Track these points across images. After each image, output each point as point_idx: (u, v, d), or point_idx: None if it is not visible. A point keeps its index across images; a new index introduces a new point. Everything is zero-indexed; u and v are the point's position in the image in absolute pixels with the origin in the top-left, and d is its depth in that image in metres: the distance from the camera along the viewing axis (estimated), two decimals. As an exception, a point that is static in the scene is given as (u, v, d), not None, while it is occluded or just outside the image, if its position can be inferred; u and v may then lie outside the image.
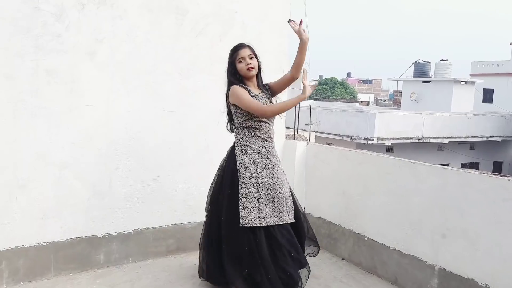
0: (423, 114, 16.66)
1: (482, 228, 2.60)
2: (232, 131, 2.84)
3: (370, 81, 71.62)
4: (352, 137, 15.92)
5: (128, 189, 3.28)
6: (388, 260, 3.17)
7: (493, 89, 27.72)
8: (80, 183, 3.09)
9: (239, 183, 2.60)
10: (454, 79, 22.59)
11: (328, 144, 4.50)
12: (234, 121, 2.74)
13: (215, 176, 2.85)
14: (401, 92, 26.95)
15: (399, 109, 23.74)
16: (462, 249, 2.70)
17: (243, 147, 2.65)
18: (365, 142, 15.46)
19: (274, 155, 2.73)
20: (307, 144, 4.01)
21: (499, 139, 18.62)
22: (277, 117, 2.77)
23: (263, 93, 2.74)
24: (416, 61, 25.69)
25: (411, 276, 3.00)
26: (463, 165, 17.78)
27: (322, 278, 3.20)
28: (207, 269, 2.82)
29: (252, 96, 2.61)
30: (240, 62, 2.64)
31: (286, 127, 4.19)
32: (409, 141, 16.22)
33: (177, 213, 3.51)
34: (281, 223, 2.63)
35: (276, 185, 2.66)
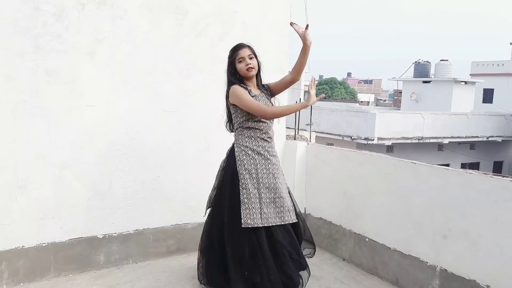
0: (423, 114, 16.66)
1: (483, 229, 2.59)
2: (231, 131, 2.83)
3: (370, 81, 71.62)
4: (352, 137, 15.91)
5: (128, 189, 3.27)
6: (389, 261, 3.16)
7: (493, 89, 27.72)
8: (80, 184, 3.09)
9: (240, 184, 2.59)
10: (454, 79, 22.60)
11: (328, 144, 4.50)
12: (234, 121, 2.72)
13: (216, 178, 2.84)
14: (401, 92, 26.95)
15: (399, 109, 23.74)
16: (464, 250, 2.69)
17: (242, 147, 2.64)
18: (365, 142, 15.45)
19: (273, 155, 2.72)
20: (308, 144, 4.00)
21: (499, 139, 18.62)
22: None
23: (262, 94, 2.73)
24: (416, 61, 25.68)
25: (412, 277, 2.99)
26: (463, 165, 17.78)
27: (322, 279, 3.19)
28: (207, 273, 2.79)
29: (252, 96, 2.60)
30: (240, 62, 2.63)
31: (287, 127, 4.18)
32: (409, 141, 16.21)
33: (177, 214, 3.50)
34: (283, 223, 2.62)
35: (277, 185, 2.65)
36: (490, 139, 18.37)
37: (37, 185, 2.93)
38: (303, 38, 2.58)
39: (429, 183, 2.90)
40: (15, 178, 2.86)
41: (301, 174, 3.95)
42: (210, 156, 3.54)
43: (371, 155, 3.40)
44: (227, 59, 2.73)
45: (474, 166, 18.31)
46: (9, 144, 2.82)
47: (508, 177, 2.53)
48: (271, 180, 2.63)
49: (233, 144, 2.73)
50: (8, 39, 2.76)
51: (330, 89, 44.29)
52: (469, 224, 2.66)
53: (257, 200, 2.56)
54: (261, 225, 2.54)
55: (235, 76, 2.65)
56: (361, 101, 39.35)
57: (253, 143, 2.64)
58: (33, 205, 2.94)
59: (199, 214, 3.48)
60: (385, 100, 40.98)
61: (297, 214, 2.81)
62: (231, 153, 2.71)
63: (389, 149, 16.33)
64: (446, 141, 17.13)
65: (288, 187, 2.82)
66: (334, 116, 16.78)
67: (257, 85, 2.74)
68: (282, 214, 2.62)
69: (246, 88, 2.62)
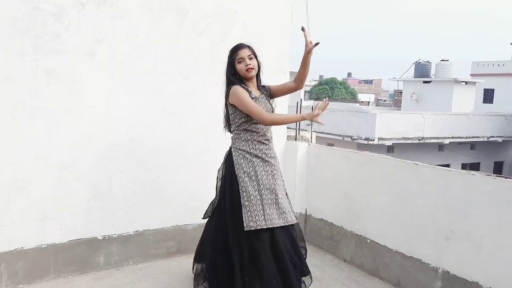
0: (423, 114, 16.64)
1: (486, 230, 2.57)
2: (229, 131, 2.78)
3: (371, 81, 71.61)
4: (353, 138, 15.89)
5: (128, 190, 3.25)
6: (390, 263, 3.14)
7: (493, 89, 27.71)
8: (79, 185, 3.07)
9: (239, 187, 2.54)
10: (455, 79, 22.59)
11: (328, 145, 4.48)
12: (231, 122, 2.68)
13: (216, 184, 2.79)
14: (401, 92, 26.94)
15: (400, 109, 23.72)
16: (466, 251, 2.67)
17: (239, 151, 2.60)
18: (365, 142, 15.43)
19: (272, 157, 2.67)
20: (309, 145, 3.98)
21: (499, 140, 18.60)
22: None
23: (263, 95, 2.69)
24: (416, 61, 25.67)
25: (414, 279, 2.97)
26: (463, 166, 17.77)
27: (323, 281, 3.17)
28: (210, 280, 2.72)
29: (252, 98, 2.57)
30: (240, 62, 2.59)
31: (287, 127, 4.16)
32: (409, 141, 16.19)
33: (178, 215, 3.48)
34: (286, 223, 2.59)
35: (278, 186, 2.63)
36: (490, 139, 18.35)
37: (36, 186, 2.92)
38: (308, 48, 2.55)
39: (431, 184, 2.88)
40: (14, 179, 2.84)
41: (302, 175, 3.93)
42: (211, 157, 3.52)
43: (373, 156, 3.38)
44: (227, 59, 2.71)
45: (475, 166, 18.30)
46: (8, 144, 2.81)
47: (511, 178, 2.51)
48: (272, 181, 2.60)
49: (230, 148, 2.69)
50: (8, 39, 2.74)
51: (330, 89, 44.25)
52: (471, 226, 2.64)
53: (259, 201, 2.53)
54: (264, 227, 2.50)
55: (235, 76, 2.61)
56: (362, 101, 39.31)
57: (250, 146, 2.60)
58: (33, 206, 2.92)
59: (199, 215, 3.46)
60: (385, 100, 40.95)
61: None
62: (228, 157, 2.67)
63: (390, 149, 16.32)
64: (446, 141, 17.11)
65: (285, 189, 2.78)
66: (334, 116, 16.75)
67: (257, 85, 2.71)
68: (284, 215, 2.59)
69: (246, 89, 2.58)
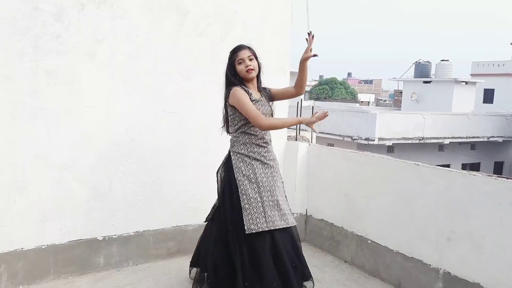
0: (424, 115, 16.63)
1: (487, 231, 2.56)
2: (227, 132, 2.75)
3: (371, 81, 71.58)
4: (353, 138, 15.88)
5: (128, 191, 3.25)
6: (391, 263, 3.13)
7: (493, 89, 27.71)
8: (79, 185, 3.06)
9: (239, 190, 2.52)
10: (455, 79, 22.58)
11: (328, 145, 4.47)
12: (230, 124, 2.66)
13: (217, 188, 2.76)
14: (401, 92, 26.93)
15: (400, 110, 23.71)
16: (467, 252, 2.66)
17: (238, 155, 2.59)
18: (366, 142, 15.42)
19: (271, 159, 2.65)
20: (309, 145, 3.97)
21: (500, 140, 18.59)
22: None
23: (263, 98, 2.67)
24: (416, 61, 25.66)
25: (415, 280, 2.96)
26: (464, 166, 17.76)
27: (324, 282, 3.16)
28: (211, 282, 2.68)
29: (253, 101, 2.55)
30: (240, 63, 2.58)
31: (288, 128, 4.15)
32: (410, 141, 16.18)
33: (178, 215, 3.48)
34: (287, 225, 2.57)
35: (277, 188, 2.61)
36: (490, 139, 18.34)
37: (36, 186, 2.91)
38: (306, 55, 2.55)
39: (432, 185, 2.87)
40: (14, 180, 2.84)
41: (302, 175, 3.92)
42: (211, 157, 3.51)
43: (373, 156, 3.37)
44: (227, 60, 2.69)
45: (475, 166, 18.30)
46: (8, 145, 2.80)
47: (512, 179, 2.50)
48: (272, 183, 2.58)
49: (229, 151, 2.67)
50: (8, 39, 2.73)
51: (330, 89, 44.23)
52: (473, 227, 2.64)
53: (259, 204, 2.51)
54: (266, 229, 2.48)
55: (235, 78, 2.59)
56: (362, 101, 39.30)
57: (249, 149, 2.58)
58: (33, 206, 2.91)
59: (200, 216, 3.45)
60: (385, 100, 40.94)
61: None
62: (227, 161, 2.65)
63: (390, 149, 16.31)
64: (446, 141, 17.11)
65: (285, 191, 2.77)
66: (334, 116, 16.73)
67: (258, 87, 2.70)
68: (286, 217, 2.58)
69: (247, 91, 2.56)
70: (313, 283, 2.72)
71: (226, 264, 2.58)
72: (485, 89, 27.11)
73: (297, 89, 2.75)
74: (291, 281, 2.50)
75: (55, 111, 2.92)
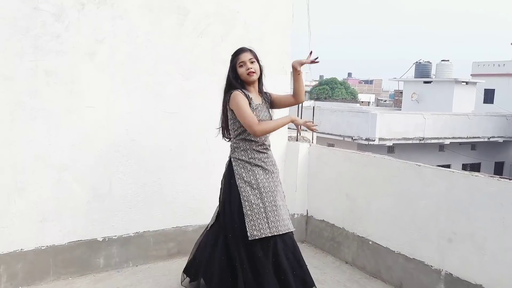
0: (424, 115, 16.62)
1: (489, 232, 2.55)
2: (224, 136, 2.72)
3: (371, 81, 71.54)
4: (353, 138, 15.87)
5: (128, 191, 3.23)
6: (393, 265, 3.12)
7: (494, 89, 27.70)
8: (79, 186, 3.05)
9: (241, 197, 2.50)
10: (455, 80, 22.56)
11: (329, 145, 4.46)
12: (230, 128, 2.62)
13: (220, 193, 2.73)
14: (402, 93, 26.91)
15: (400, 110, 23.70)
16: (469, 253, 2.65)
17: (239, 161, 2.56)
18: (366, 142, 15.41)
19: (271, 165, 2.63)
20: (310, 145, 3.96)
21: (500, 140, 18.58)
22: None
23: (263, 102, 2.65)
24: (417, 61, 25.64)
25: (417, 281, 2.95)
26: (464, 166, 17.75)
27: (325, 283, 3.15)
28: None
29: (254, 105, 2.52)
30: (241, 66, 2.55)
31: (288, 128, 4.13)
32: (410, 141, 16.18)
33: (178, 216, 3.46)
34: (289, 230, 2.56)
35: (278, 193, 2.60)
36: (491, 139, 18.34)
37: (36, 187, 2.90)
38: (301, 66, 2.57)
39: (434, 186, 2.85)
40: (14, 180, 2.82)
41: (303, 176, 3.90)
42: (212, 158, 3.51)
43: (375, 157, 3.36)
44: (229, 60, 2.66)
45: (475, 166, 18.29)
46: (7, 145, 2.79)
47: (515, 180, 2.49)
48: (273, 189, 2.57)
49: (229, 158, 2.64)
50: (7, 39, 2.72)
51: (330, 89, 44.19)
52: (475, 228, 2.62)
53: (262, 210, 2.48)
54: (269, 235, 2.46)
55: (236, 81, 2.57)
56: (362, 102, 39.26)
57: (249, 155, 2.56)
58: (32, 207, 2.90)
59: (200, 216, 3.45)
60: (385, 101, 40.92)
61: None
62: (229, 168, 2.62)
63: (390, 149, 16.30)
64: (447, 141, 17.10)
65: (284, 196, 2.75)
66: (335, 116, 16.73)
67: (259, 90, 2.68)
68: (287, 221, 2.57)
69: (247, 96, 2.52)
70: None
71: (226, 271, 2.55)
72: (485, 89, 27.10)
73: (296, 98, 2.73)
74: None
75: (55, 112, 2.91)
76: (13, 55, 2.74)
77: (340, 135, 16.34)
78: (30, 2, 2.76)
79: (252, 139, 2.56)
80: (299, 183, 3.89)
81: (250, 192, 2.50)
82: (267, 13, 3.73)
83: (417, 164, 3.00)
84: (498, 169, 19.49)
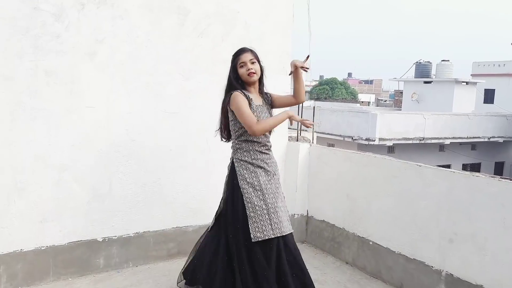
0: (424, 115, 16.62)
1: (490, 233, 2.54)
2: (226, 140, 2.71)
3: (371, 82, 71.51)
4: (354, 138, 15.87)
5: (128, 192, 3.23)
6: (393, 265, 3.12)
7: (494, 89, 27.70)
8: (79, 186, 3.04)
9: (244, 198, 2.49)
10: (456, 80, 22.56)
11: (329, 145, 4.45)
12: (231, 129, 2.61)
13: (223, 193, 2.71)
14: (402, 93, 26.90)
15: (400, 110, 23.69)
16: (470, 254, 2.64)
17: (242, 162, 2.55)
18: (366, 143, 15.41)
19: (272, 166, 2.63)
20: (310, 146, 3.95)
21: (500, 140, 18.58)
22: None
23: (264, 103, 2.63)
24: (417, 62, 25.63)
25: (417, 282, 2.94)
26: (464, 166, 17.75)
27: (325, 283, 3.14)
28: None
29: (254, 106, 2.51)
30: (241, 67, 2.54)
31: (288, 128, 4.13)
32: (410, 141, 16.17)
33: (178, 216, 3.46)
34: (291, 231, 2.56)
35: (279, 195, 2.59)
36: (491, 139, 18.33)
37: (36, 187, 2.89)
38: (299, 67, 2.55)
39: (435, 186, 2.85)
40: (13, 181, 2.82)
41: (303, 176, 3.90)
42: (212, 158, 3.50)
43: (375, 157, 3.35)
44: (229, 60, 2.64)
45: (476, 167, 18.28)
46: (7, 146, 2.78)
47: (516, 180, 2.48)
48: (274, 190, 2.56)
49: (232, 159, 2.62)
50: (7, 39, 2.72)
51: (330, 89, 44.19)
52: (475, 228, 2.62)
53: (265, 211, 2.47)
54: (272, 236, 2.45)
55: (237, 81, 2.56)
56: (362, 102, 39.25)
57: (252, 157, 2.55)
58: (32, 207, 2.89)
59: (200, 217, 3.44)
60: (385, 101, 40.91)
61: None
62: (231, 169, 2.60)
63: (390, 149, 16.29)
64: (447, 141, 17.10)
65: (284, 197, 2.74)
66: (335, 116, 16.73)
67: (259, 90, 2.66)
68: (288, 222, 2.57)
69: (247, 97, 2.51)
70: None
71: (228, 274, 2.55)
72: (485, 89, 27.09)
73: (296, 97, 2.72)
74: None
75: (55, 112, 2.90)
76: (13, 55, 2.74)
77: (340, 135, 16.34)
78: (30, 2, 2.75)
79: (255, 139, 2.55)
80: (299, 183, 3.88)
81: (253, 194, 2.49)
82: (268, 13, 3.72)
83: (417, 165, 2.99)
84: (498, 169, 19.48)
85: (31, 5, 2.75)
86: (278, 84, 3.44)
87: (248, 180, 2.51)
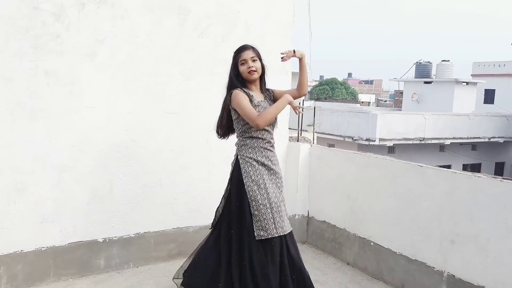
0: (424, 115, 16.61)
1: (493, 233, 2.53)
2: (218, 133, 2.71)
3: (371, 82, 71.50)
4: (354, 138, 15.86)
5: (129, 192, 3.22)
6: (394, 266, 3.10)
7: (494, 89, 27.68)
8: (80, 187, 3.03)
9: (248, 196, 2.48)
10: (456, 80, 22.56)
11: (329, 145, 4.44)
12: (235, 127, 2.61)
13: (225, 190, 2.69)
14: (402, 93, 26.89)
15: (400, 110, 23.69)
16: (472, 255, 2.63)
17: (247, 159, 2.53)
18: (366, 143, 15.40)
19: (276, 164, 2.63)
20: (311, 146, 3.95)
21: (501, 140, 18.58)
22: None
23: (265, 100, 2.62)
24: (417, 62, 25.62)
25: (419, 283, 2.93)
26: (464, 166, 17.73)
27: (326, 284, 3.13)
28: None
29: (256, 102, 2.51)
30: (242, 64, 2.52)
31: (289, 128, 4.12)
32: (410, 142, 16.17)
33: (179, 217, 3.45)
34: (291, 229, 2.57)
35: (281, 194, 2.59)
36: (491, 140, 18.33)
37: (36, 188, 2.88)
38: (292, 56, 2.59)
39: (436, 187, 2.84)
40: (13, 181, 2.81)
41: (304, 177, 3.89)
42: (212, 159, 3.49)
43: (376, 157, 3.34)
44: (230, 60, 2.64)
45: (476, 167, 18.27)
46: (7, 146, 2.77)
47: (518, 181, 2.47)
48: (276, 189, 2.56)
49: (236, 156, 2.60)
50: (7, 39, 2.70)
51: (330, 89, 44.16)
52: (477, 229, 2.61)
53: (268, 210, 2.47)
54: (276, 235, 2.45)
55: (237, 79, 2.55)
56: (362, 102, 39.24)
57: (257, 153, 2.53)
58: (32, 208, 2.88)
59: (201, 217, 3.43)
60: (386, 101, 40.90)
61: None
62: (236, 166, 2.58)
63: (391, 150, 16.28)
64: (447, 142, 17.09)
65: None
66: (335, 116, 16.72)
67: (261, 88, 2.65)
68: (288, 221, 2.57)
69: (247, 94, 2.50)
70: None
71: (224, 271, 2.53)
72: (486, 90, 27.08)
73: (298, 90, 2.70)
74: None
75: (55, 112, 2.89)
76: (12, 55, 2.72)
77: (340, 136, 16.33)
78: (30, 2, 2.74)
79: (259, 136, 2.54)
80: (300, 184, 3.87)
81: (257, 192, 2.48)
82: (268, 13, 3.71)
83: (419, 165, 2.98)
84: (499, 170, 19.47)
85: (31, 4, 2.74)
86: (278, 84, 3.42)
87: (253, 177, 2.50)
